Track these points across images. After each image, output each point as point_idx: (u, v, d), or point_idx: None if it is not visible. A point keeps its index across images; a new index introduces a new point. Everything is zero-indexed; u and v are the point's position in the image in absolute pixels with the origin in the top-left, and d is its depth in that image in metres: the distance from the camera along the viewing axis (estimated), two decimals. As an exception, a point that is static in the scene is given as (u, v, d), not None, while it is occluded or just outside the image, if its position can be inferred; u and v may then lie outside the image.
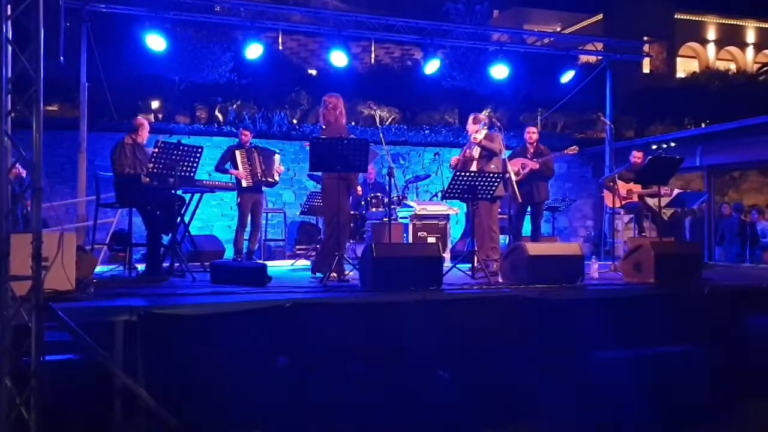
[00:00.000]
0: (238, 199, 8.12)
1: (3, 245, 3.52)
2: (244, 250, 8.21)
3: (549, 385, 4.73)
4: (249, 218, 8.16)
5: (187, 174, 6.23)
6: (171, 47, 10.16)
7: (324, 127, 6.51)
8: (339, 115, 6.46)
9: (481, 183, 6.45)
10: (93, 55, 9.31)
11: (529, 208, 7.95)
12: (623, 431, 4.87)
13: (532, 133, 8.13)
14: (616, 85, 12.85)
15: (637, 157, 9.01)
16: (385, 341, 4.65)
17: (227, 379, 4.03)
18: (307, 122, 13.95)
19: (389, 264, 5.19)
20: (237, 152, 8.07)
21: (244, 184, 7.96)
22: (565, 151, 8.15)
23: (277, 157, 8.35)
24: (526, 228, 8.35)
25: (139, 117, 6.68)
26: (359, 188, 7.32)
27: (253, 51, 10.33)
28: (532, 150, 8.16)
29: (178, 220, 6.58)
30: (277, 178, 8.32)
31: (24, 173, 7.72)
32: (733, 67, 26.29)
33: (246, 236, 8.29)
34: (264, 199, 8.46)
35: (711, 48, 28.35)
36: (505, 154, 7.24)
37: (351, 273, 6.19)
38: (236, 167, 7.99)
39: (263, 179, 8.06)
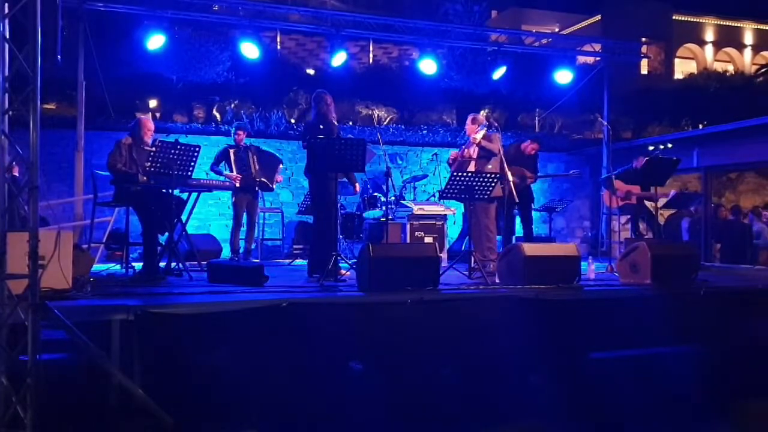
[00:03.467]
0: (233, 198, 8.14)
1: (0, 244, 3.52)
2: (241, 250, 8.22)
3: (545, 385, 4.74)
4: (244, 218, 8.17)
5: (185, 173, 6.22)
6: (169, 46, 10.15)
7: (315, 122, 6.46)
8: (333, 111, 6.50)
9: (479, 183, 6.46)
10: (90, 54, 9.31)
11: (516, 211, 8.01)
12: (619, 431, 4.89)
13: (533, 149, 8.22)
14: (614, 86, 12.87)
15: (641, 162, 9.05)
16: (381, 341, 4.66)
17: (223, 378, 4.04)
18: (304, 122, 13.92)
19: (386, 264, 5.20)
20: (231, 151, 8.10)
21: (237, 183, 7.97)
22: (571, 173, 8.30)
23: (280, 166, 8.39)
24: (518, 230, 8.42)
25: (140, 116, 6.62)
26: (357, 185, 7.34)
27: (250, 51, 10.33)
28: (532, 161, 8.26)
29: (175, 219, 6.57)
30: (273, 186, 8.33)
31: (17, 174, 7.66)
32: (730, 68, 26.29)
33: (242, 236, 8.30)
34: (259, 198, 8.45)
35: (709, 49, 28.38)
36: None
37: (348, 273, 6.19)
38: (230, 166, 8.00)
39: (257, 179, 8.04)
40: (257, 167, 8.08)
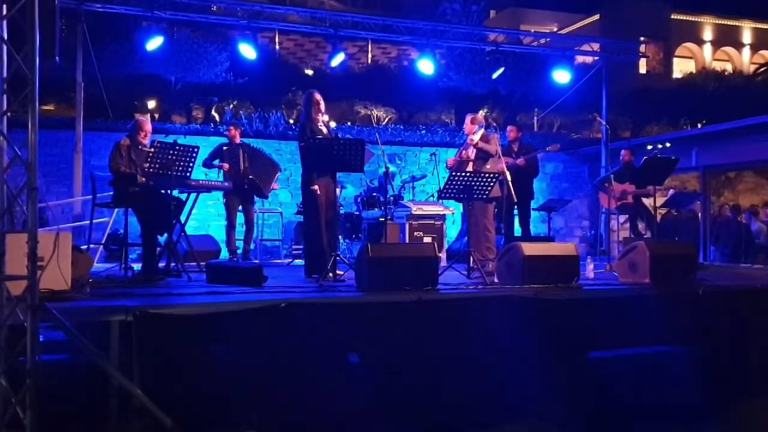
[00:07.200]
0: (224, 200, 8.13)
1: (-1, 245, 3.52)
2: (239, 251, 8.22)
3: (544, 385, 4.74)
4: (237, 218, 8.18)
5: (183, 174, 6.22)
6: (167, 47, 10.17)
7: (304, 122, 6.39)
8: (319, 110, 6.43)
9: (477, 183, 6.47)
10: (89, 55, 9.32)
11: (516, 210, 8.01)
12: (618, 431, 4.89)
13: (510, 132, 8.37)
14: (613, 85, 12.89)
15: (625, 155, 9.12)
16: (380, 341, 4.66)
17: (222, 378, 4.04)
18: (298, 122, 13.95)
19: (385, 264, 5.19)
20: (224, 148, 8.14)
21: (224, 169, 8.01)
22: (548, 149, 8.32)
23: (278, 174, 8.38)
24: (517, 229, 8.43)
25: (138, 117, 6.63)
26: (338, 190, 7.25)
27: (248, 51, 10.35)
28: (516, 149, 8.28)
29: (174, 220, 6.56)
30: (267, 192, 8.32)
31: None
32: (729, 67, 26.31)
33: (241, 236, 8.29)
34: (254, 199, 8.42)
35: (707, 48, 28.38)
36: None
37: (344, 273, 6.17)
38: (222, 161, 8.06)
39: (246, 177, 8.02)
40: (246, 164, 8.04)
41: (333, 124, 6.57)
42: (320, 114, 6.36)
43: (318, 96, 6.38)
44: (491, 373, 4.77)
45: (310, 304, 4.61)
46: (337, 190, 6.59)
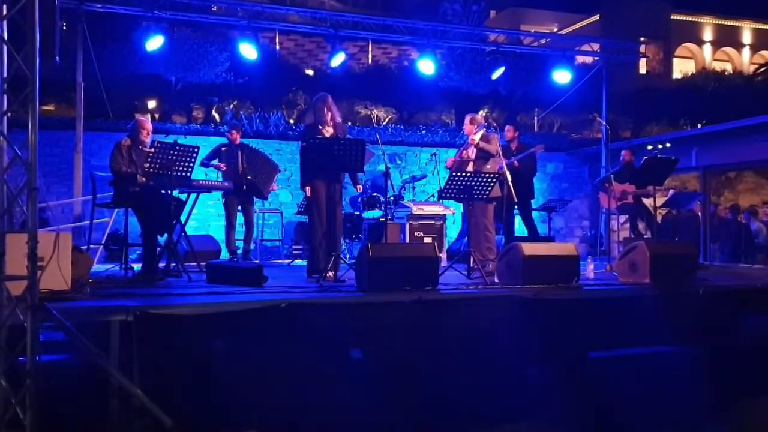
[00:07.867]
0: (223, 200, 8.13)
1: (-1, 245, 3.52)
2: (239, 251, 8.21)
3: (544, 385, 4.74)
4: (237, 218, 8.18)
5: (183, 174, 6.23)
6: (167, 47, 10.16)
7: (311, 126, 6.42)
8: (325, 115, 6.42)
9: (478, 183, 6.47)
10: (89, 55, 9.32)
11: (516, 210, 8.02)
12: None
13: (508, 131, 8.39)
14: (613, 85, 12.89)
15: (626, 155, 9.13)
16: (380, 341, 4.66)
17: (222, 378, 4.04)
18: (304, 122, 13.94)
19: (385, 264, 5.19)
20: (223, 148, 8.16)
21: (221, 169, 8.03)
22: (534, 149, 8.36)
23: (277, 174, 8.37)
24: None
25: (138, 117, 6.64)
26: (359, 186, 7.11)
27: (249, 51, 10.35)
28: (514, 148, 8.29)
29: (174, 220, 6.56)
30: (267, 193, 8.33)
31: None
32: (729, 67, 26.30)
33: (241, 236, 8.29)
34: (253, 199, 8.41)
35: (707, 49, 28.38)
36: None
37: (332, 275, 6.14)
38: (220, 161, 8.09)
39: (244, 177, 8.01)
40: (245, 165, 8.05)
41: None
42: (328, 120, 6.36)
43: (322, 104, 6.36)
44: (491, 373, 4.77)
45: (311, 304, 4.61)
46: (359, 186, 6.60)
